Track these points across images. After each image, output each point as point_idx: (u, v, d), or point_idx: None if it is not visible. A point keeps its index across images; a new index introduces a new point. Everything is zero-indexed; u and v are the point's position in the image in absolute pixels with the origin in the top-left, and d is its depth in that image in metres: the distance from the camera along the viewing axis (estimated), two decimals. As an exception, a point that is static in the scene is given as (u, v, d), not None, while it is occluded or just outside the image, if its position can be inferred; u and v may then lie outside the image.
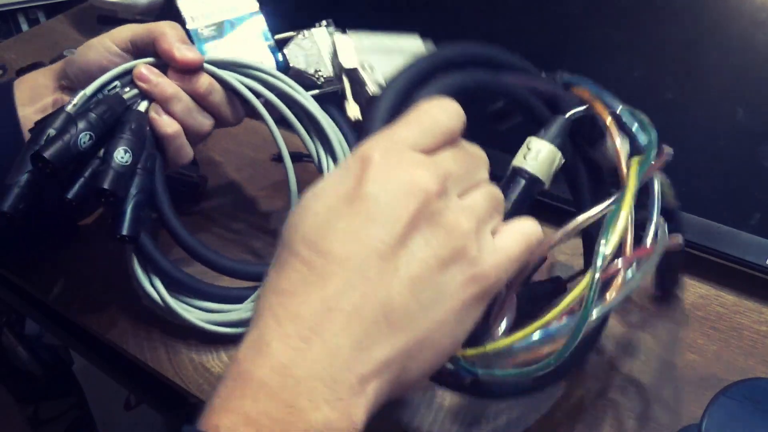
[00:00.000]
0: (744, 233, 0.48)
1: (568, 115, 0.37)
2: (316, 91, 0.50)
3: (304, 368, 0.26)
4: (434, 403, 0.44)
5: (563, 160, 0.36)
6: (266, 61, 0.51)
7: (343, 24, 0.51)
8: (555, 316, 0.32)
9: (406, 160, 0.29)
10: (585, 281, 0.32)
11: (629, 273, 0.33)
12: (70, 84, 0.48)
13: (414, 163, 0.29)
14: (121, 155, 0.43)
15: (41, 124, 0.43)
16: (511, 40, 0.60)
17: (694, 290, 0.50)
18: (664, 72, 0.54)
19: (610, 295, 0.33)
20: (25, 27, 0.92)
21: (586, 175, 0.42)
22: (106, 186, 0.41)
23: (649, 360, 0.46)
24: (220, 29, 0.52)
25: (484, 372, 0.32)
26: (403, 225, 0.28)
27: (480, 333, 0.32)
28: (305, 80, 0.50)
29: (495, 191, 0.32)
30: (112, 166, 0.42)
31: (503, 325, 0.33)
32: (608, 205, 0.34)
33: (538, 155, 0.35)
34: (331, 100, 0.51)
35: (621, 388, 0.44)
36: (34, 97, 0.48)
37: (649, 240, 0.35)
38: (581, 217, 0.35)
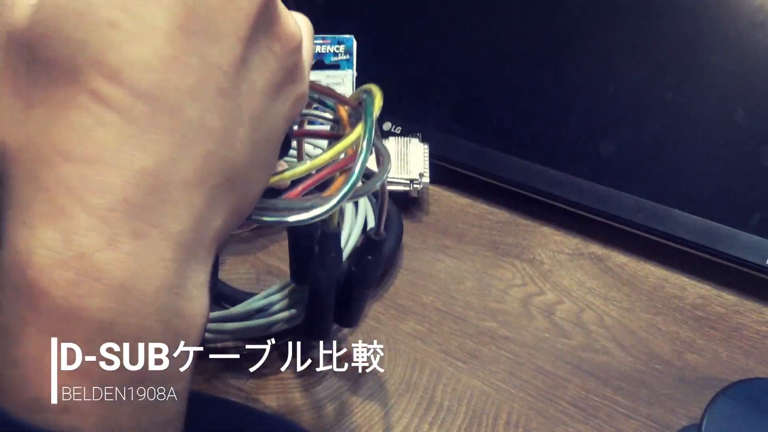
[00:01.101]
0: (744, 233, 0.48)
1: None
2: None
3: (147, 284, 0.18)
4: (433, 406, 0.44)
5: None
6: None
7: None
8: (333, 155, 0.26)
9: None
10: (360, 127, 0.27)
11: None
12: None
13: None
14: None
15: None
16: (511, 40, 0.60)
17: (694, 290, 0.50)
18: (664, 72, 0.54)
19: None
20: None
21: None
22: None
23: (648, 360, 0.46)
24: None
25: (255, 216, 0.25)
26: (243, 39, 0.19)
27: None
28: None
29: None
30: None
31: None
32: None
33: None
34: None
35: (621, 388, 0.44)
36: None
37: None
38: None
